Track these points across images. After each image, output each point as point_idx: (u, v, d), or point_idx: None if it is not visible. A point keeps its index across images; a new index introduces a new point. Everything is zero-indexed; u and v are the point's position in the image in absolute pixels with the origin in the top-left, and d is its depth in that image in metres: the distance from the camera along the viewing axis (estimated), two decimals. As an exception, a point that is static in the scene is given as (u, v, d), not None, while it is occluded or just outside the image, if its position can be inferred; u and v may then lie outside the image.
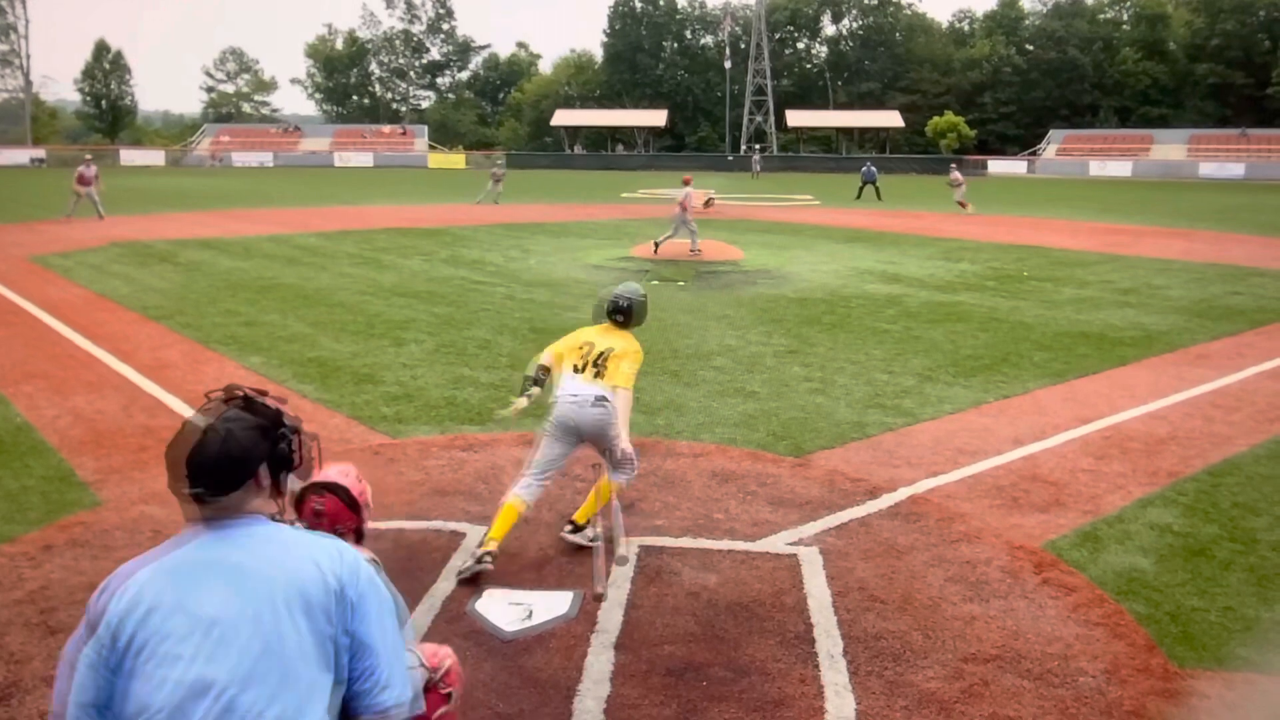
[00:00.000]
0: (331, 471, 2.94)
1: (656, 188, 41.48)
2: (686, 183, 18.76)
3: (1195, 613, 4.23)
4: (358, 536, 2.96)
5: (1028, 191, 44.14)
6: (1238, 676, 3.75)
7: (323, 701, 1.82)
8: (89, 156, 26.07)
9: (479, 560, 4.46)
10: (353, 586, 1.89)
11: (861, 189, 36.96)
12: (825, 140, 78.67)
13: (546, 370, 4.94)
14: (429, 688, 2.86)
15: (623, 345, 4.84)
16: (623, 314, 4.96)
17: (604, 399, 4.67)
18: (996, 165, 66.16)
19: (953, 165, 37.01)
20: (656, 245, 17.75)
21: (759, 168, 58.07)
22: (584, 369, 4.79)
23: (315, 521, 2.86)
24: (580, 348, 4.88)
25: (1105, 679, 3.68)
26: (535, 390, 4.89)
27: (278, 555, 1.88)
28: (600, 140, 79.44)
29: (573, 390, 4.74)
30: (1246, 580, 4.56)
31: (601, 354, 4.79)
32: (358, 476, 2.97)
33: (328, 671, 1.83)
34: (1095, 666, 3.76)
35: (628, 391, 4.71)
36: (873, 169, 38.64)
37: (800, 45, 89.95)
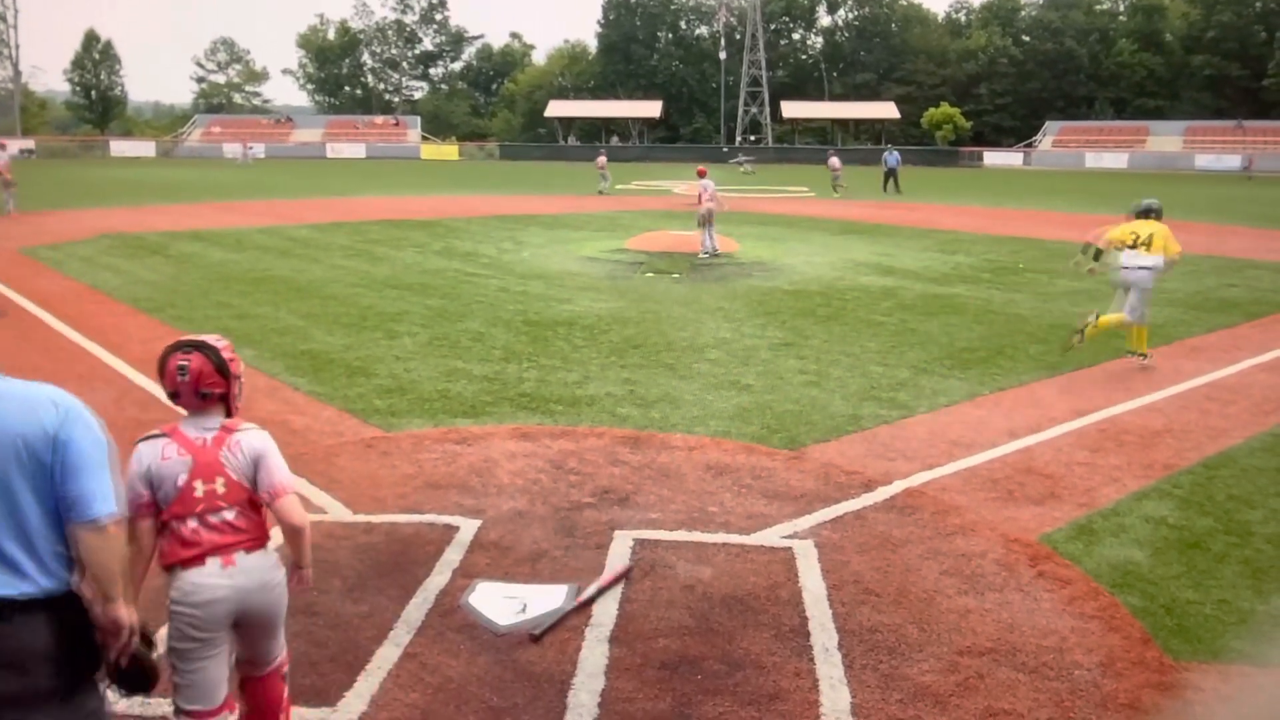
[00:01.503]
0: (208, 336, 2.84)
1: (650, 179, 41.37)
2: (702, 174, 17.28)
3: (1190, 605, 4.23)
4: (227, 408, 2.80)
5: (1024, 183, 44.14)
6: (1232, 669, 3.75)
7: (48, 532, 2.21)
8: (3, 143, 25.45)
9: (1140, 361, 8.26)
10: (66, 429, 2.21)
11: (888, 180, 34.46)
12: (820, 132, 78.54)
13: (1099, 251, 8.75)
14: (273, 672, 3.00)
15: (1161, 229, 8.32)
16: (1155, 213, 8.55)
17: (1147, 267, 8.20)
18: (992, 157, 66.13)
19: (830, 153, 40.78)
20: (708, 250, 16.21)
21: (751, 167, 50.13)
22: (1136, 246, 8.25)
23: (177, 380, 2.71)
24: (1132, 233, 8.32)
25: (1100, 672, 3.68)
26: (1094, 264, 8.92)
27: (8, 411, 2.17)
28: (594, 132, 79.16)
29: (1128, 261, 8.29)
30: (1241, 573, 4.56)
31: (1149, 236, 8.24)
32: (231, 349, 2.83)
33: (50, 505, 2.21)
34: (1090, 659, 3.76)
35: (1175, 256, 8.34)
36: (896, 154, 36.31)
37: (795, 36, 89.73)
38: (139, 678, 2.48)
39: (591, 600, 4.12)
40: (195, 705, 2.71)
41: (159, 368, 2.75)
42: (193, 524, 2.65)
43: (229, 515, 2.69)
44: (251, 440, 2.76)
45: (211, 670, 2.70)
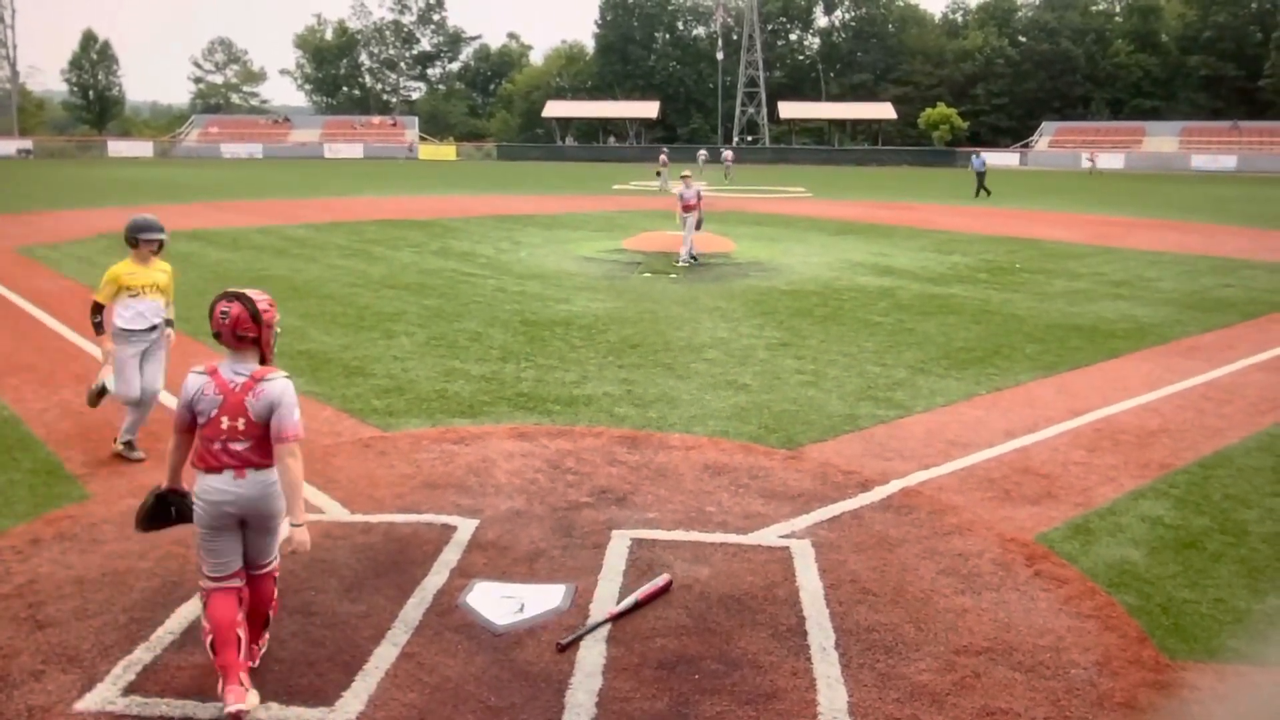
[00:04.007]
0: (251, 290, 3.44)
1: (648, 179, 41.38)
2: (685, 179, 16.61)
3: (1186, 605, 4.24)
4: (260, 353, 3.39)
5: (1020, 183, 44.19)
6: (1229, 668, 3.76)
7: None
8: None
9: None
10: None
11: (979, 186, 33.26)
12: (817, 132, 78.59)
13: None
14: (267, 574, 3.55)
15: None
16: None
17: None
18: (989, 157, 66.09)
19: (726, 150, 50.85)
20: (692, 257, 15.41)
21: (730, 166, 47.01)
22: None
23: (220, 323, 3.32)
24: None
25: (1097, 671, 3.68)
26: None
27: None
28: (592, 132, 79.18)
29: None
30: (1237, 572, 4.57)
31: None
32: (270, 303, 3.44)
33: None
34: (1087, 658, 3.77)
35: None
36: (984, 158, 35.50)
37: (792, 36, 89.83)
38: (164, 515, 3.58)
39: (625, 613, 4.05)
40: (212, 572, 3.39)
41: (209, 313, 3.36)
42: (217, 446, 3.32)
43: (245, 445, 3.32)
44: (270, 390, 3.35)
45: (222, 549, 3.38)
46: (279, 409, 3.32)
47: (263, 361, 3.40)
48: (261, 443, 3.32)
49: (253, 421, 3.30)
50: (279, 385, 3.35)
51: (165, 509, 3.61)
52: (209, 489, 3.31)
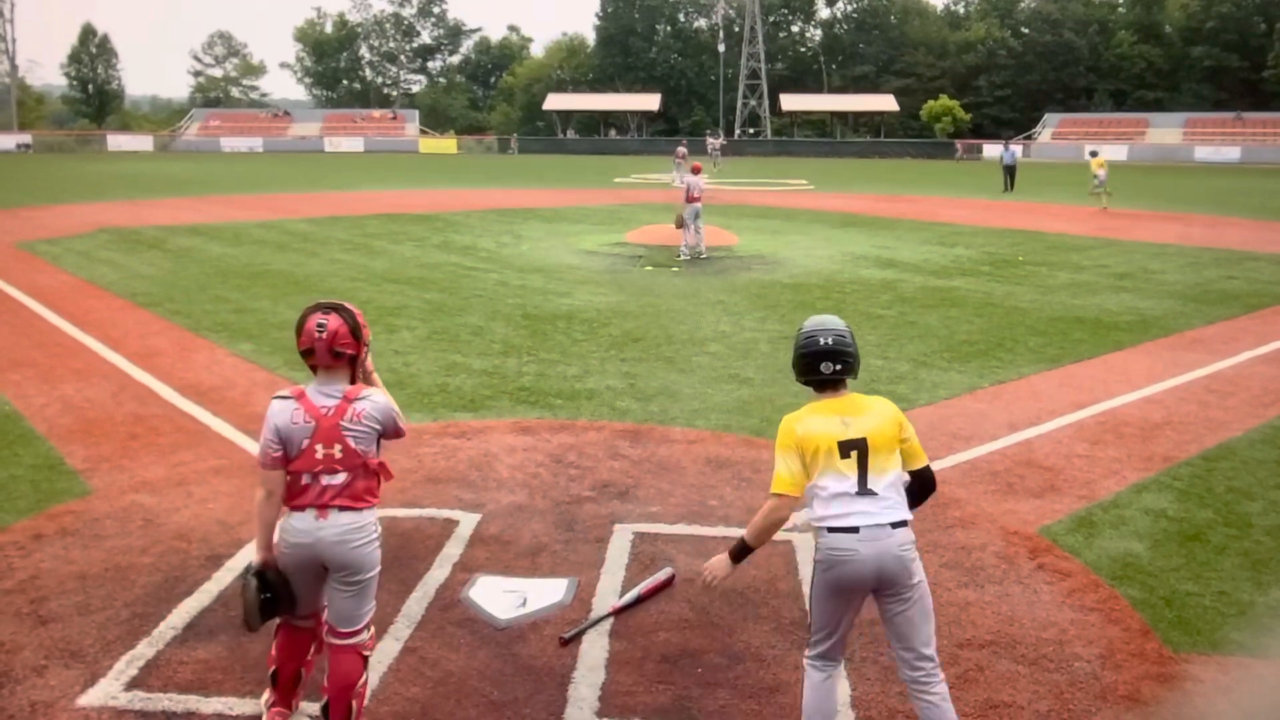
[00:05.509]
0: (346, 303, 3.09)
1: (649, 172, 41.33)
2: (696, 171, 16.41)
3: (1190, 597, 4.23)
4: (353, 369, 3.06)
5: (1023, 175, 44.04)
6: (1232, 661, 3.76)
7: None
8: None
9: None
10: None
11: (1007, 179, 32.03)
12: (819, 124, 78.39)
13: None
14: (349, 647, 3.09)
15: None
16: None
17: None
18: (992, 149, 65.93)
19: (716, 140, 52.10)
20: (696, 251, 15.20)
21: (719, 157, 48.40)
22: None
23: (315, 337, 2.96)
24: None
25: (1100, 664, 3.68)
26: None
27: None
28: (593, 124, 78.98)
29: None
30: (1241, 565, 4.56)
31: None
32: (363, 316, 3.11)
33: None
34: (1090, 651, 3.76)
35: None
36: (1014, 150, 33.97)
37: (794, 28, 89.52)
38: (270, 603, 3.06)
39: (627, 608, 4.05)
40: (292, 611, 3.15)
41: (297, 327, 3.00)
42: (306, 479, 2.99)
43: (341, 477, 2.99)
44: (369, 410, 3.03)
45: (304, 590, 3.10)
46: (390, 428, 3.08)
47: (352, 382, 3.06)
48: (359, 475, 3.01)
49: (351, 449, 2.98)
50: (379, 402, 3.05)
51: (270, 597, 3.08)
52: (290, 529, 3.01)
